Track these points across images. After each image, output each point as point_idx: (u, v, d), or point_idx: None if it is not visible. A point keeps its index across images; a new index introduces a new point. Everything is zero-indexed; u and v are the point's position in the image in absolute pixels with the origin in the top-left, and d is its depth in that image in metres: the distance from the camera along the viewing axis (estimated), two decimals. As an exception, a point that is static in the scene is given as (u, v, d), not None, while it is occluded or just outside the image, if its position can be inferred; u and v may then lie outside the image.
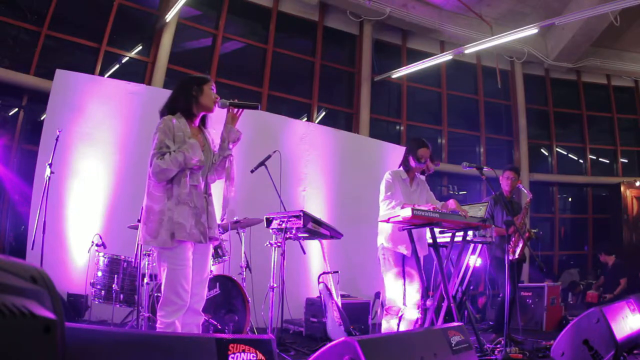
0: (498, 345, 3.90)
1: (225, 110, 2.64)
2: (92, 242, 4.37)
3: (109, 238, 4.51)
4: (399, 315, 3.52)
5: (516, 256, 4.41)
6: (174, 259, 2.38)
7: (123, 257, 4.22)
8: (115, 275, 4.16)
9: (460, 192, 8.94)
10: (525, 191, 4.64)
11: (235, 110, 2.60)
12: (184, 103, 2.52)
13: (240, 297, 4.03)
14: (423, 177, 3.85)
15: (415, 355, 2.03)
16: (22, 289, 0.78)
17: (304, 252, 4.35)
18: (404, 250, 3.53)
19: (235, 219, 4.33)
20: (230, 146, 2.59)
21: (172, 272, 2.37)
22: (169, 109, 2.53)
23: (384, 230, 3.62)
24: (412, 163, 3.66)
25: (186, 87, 2.55)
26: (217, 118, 2.65)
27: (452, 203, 3.59)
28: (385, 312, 3.59)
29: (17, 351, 0.72)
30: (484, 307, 6.82)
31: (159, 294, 2.46)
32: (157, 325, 2.38)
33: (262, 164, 4.26)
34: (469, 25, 8.80)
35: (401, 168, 3.73)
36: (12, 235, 5.81)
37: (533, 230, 5.15)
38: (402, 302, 3.50)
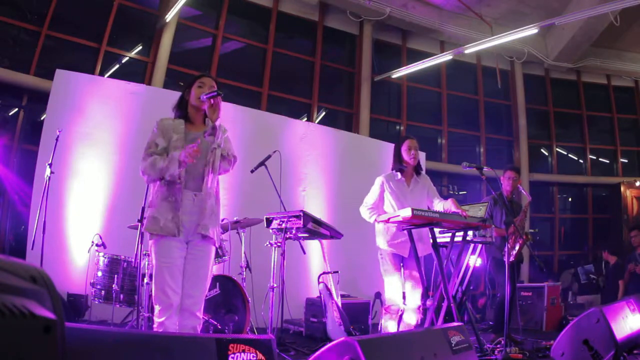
0: (498, 345, 3.90)
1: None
2: (92, 242, 4.37)
3: (109, 238, 4.51)
4: (399, 314, 3.51)
5: (512, 258, 4.40)
6: (158, 254, 2.42)
7: (123, 257, 4.22)
8: (115, 275, 4.16)
9: (460, 192, 8.93)
10: (525, 193, 4.64)
11: (212, 100, 2.58)
12: (177, 108, 2.67)
13: (240, 297, 4.03)
14: (424, 174, 3.82)
15: (415, 355, 2.03)
16: (22, 289, 0.78)
17: (304, 252, 4.35)
18: (401, 251, 3.53)
19: (235, 219, 4.33)
20: (206, 136, 2.56)
21: (159, 269, 2.40)
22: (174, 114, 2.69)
23: (381, 232, 3.62)
24: (401, 162, 3.66)
25: (182, 91, 2.68)
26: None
27: (451, 203, 3.59)
28: (384, 312, 3.59)
29: (17, 351, 0.72)
30: (484, 307, 6.82)
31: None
32: (153, 325, 2.40)
33: (262, 164, 4.26)
34: (469, 25, 8.80)
35: (393, 171, 3.72)
36: (12, 235, 5.81)
37: (530, 231, 5.13)
38: (402, 302, 3.50)
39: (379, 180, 3.68)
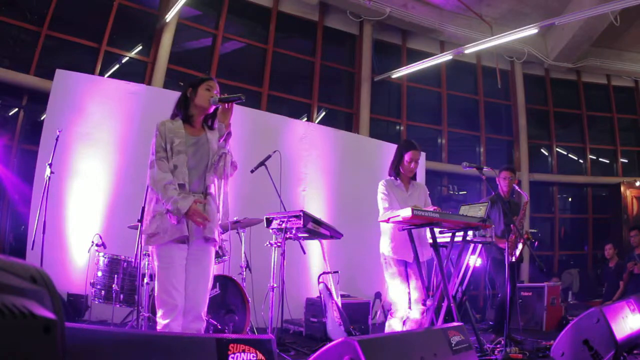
0: (498, 345, 3.90)
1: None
2: (92, 242, 4.37)
3: (109, 238, 4.51)
4: (403, 319, 3.50)
5: (513, 258, 4.39)
6: (163, 257, 2.40)
7: (123, 257, 4.22)
8: (115, 275, 4.16)
9: (460, 192, 8.93)
10: (522, 193, 4.63)
11: (227, 105, 2.60)
12: (180, 107, 2.62)
13: (240, 297, 4.03)
14: (421, 182, 3.83)
15: (415, 355, 2.03)
16: (22, 289, 0.78)
17: (304, 252, 4.35)
18: (405, 256, 3.51)
19: (235, 219, 4.33)
20: (220, 142, 2.58)
21: (162, 271, 2.39)
22: (173, 112, 2.63)
23: (386, 235, 3.60)
24: (399, 169, 3.64)
25: (184, 90, 2.64)
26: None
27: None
28: (390, 316, 3.58)
29: (17, 351, 0.72)
30: (484, 307, 6.82)
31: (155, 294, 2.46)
32: (157, 326, 2.39)
33: (262, 164, 4.26)
34: (469, 25, 8.80)
35: (391, 177, 3.70)
36: (12, 235, 5.81)
37: (531, 230, 5.12)
38: (408, 306, 3.49)
39: (381, 184, 3.65)
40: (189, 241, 2.44)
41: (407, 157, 3.61)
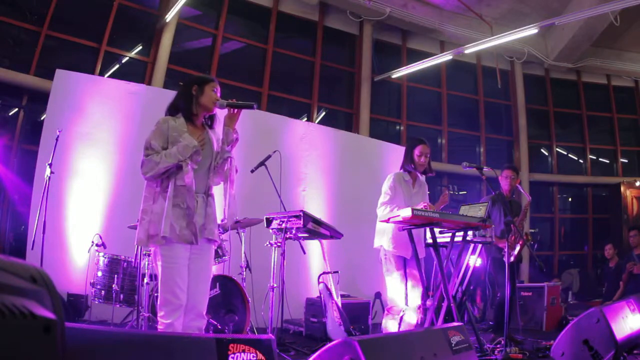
0: (498, 345, 3.90)
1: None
2: (92, 242, 4.36)
3: (109, 238, 4.51)
4: (400, 316, 3.52)
5: (512, 259, 4.39)
6: (167, 257, 2.39)
7: (123, 257, 4.21)
8: (115, 275, 4.16)
9: (460, 192, 8.94)
10: (524, 193, 4.62)
11: (234, 110, 2.60)
12: (183, 103, 2.55)
13: (240, 297, 4.03)
14: (423, 179, 3.85)
15: (415, 355, 2.03)
16: (22, 289, 0.78)
17: (304, 252, 4.35)
18: (404, 253, 3.53)
19: (235, 219, 4.33)
20: (228, 147, 2.58)
21: (166, 271, 2.38)
22: (172, 109, 2.57)
23: (385, 233, 3.61)
24: (412, 164, 3.66)
25: (187, 87, 2.58)
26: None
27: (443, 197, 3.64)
28: (386, 312, 3.60)
29: (17, 351, 0.72)
30: (484, 307, 6.81)
31: (158, 294, 2.46)
32: (158, 326, 2.38)
33: (262, 164, 4.26)
34: (469, 25, 8.80)
35: (402, 170, 3.73)
36: (12, 235, 5.81)
37: (531, 230, 5.12)
38: (404, 303, 3.51)
39: (391, 177, 3.68)
40: (196, 242, 2.43)
41: (416, 151, 3.68)
